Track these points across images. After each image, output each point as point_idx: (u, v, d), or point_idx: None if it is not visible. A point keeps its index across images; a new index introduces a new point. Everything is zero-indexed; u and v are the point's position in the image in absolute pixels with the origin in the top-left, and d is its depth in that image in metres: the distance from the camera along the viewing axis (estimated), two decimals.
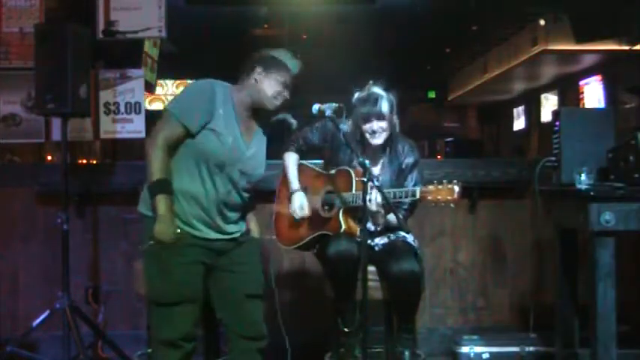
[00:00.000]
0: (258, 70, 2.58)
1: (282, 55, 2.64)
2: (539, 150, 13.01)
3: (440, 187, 2.74)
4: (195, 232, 2.48)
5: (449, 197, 2.73)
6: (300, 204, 3.04)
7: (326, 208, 3.03)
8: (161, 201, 2.39)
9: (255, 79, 2.58)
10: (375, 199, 2.80)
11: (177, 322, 2.46)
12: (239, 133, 2.56)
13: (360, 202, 2.87)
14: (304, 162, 3.19)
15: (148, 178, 2.43)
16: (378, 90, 3.02)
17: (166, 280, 2.45)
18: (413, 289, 2.88)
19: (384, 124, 3.00)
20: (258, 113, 2.64)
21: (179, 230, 2.41)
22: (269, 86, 2.57)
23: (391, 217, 2.98)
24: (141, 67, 4.27)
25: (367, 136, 3.01)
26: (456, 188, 2.72)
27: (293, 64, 2.63)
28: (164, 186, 2.41)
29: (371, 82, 3.07)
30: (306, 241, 3.07)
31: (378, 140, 3.01)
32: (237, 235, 2.62)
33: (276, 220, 3.19)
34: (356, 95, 3.06)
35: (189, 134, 2.46)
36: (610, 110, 3.64)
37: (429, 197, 2.75)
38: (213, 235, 2.52)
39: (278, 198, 3.21)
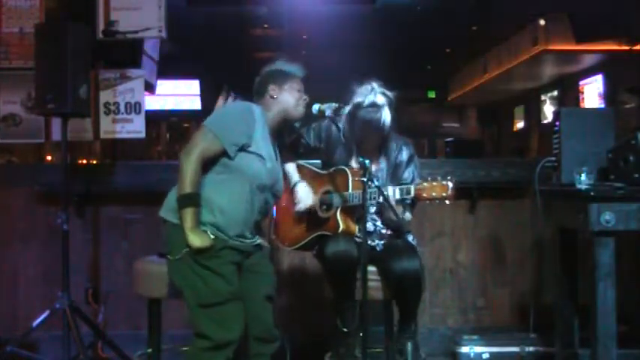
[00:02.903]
0: (272, 86, 2.66)
1: (283, 65, 2.73)
2: (539, 150, 13.00)
3: (434, 183, 2.76)
4: (229, 241, 2.50)
5: (443, 194, 2.75)
6: (301, 196, 3.03)
7: (324, 208, 3.03)
8: (189, 214, 2.41)
9: (272, 96, 2.65)
10: (392, 194, 2.81)
11: (229, 321, 2.46)
12: (274, 155, 2.64)
13: (357, 201, 2.88)
14: (301, 162, 3.19)
15: (179, 189, 2.44)
16: (380, 99, 2.95)
17: (211, 280, 2.45)
18: (415, 287, 2.88)
19: (382, 133, 3.00)
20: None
21: (212, 237, 2.45)
22: (289, 96, 2.66)
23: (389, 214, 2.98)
24: (141, 67, 4.26)
25: (364, 142, 3.03)
26: (450, 184, 2.74)
27: (296, 70, 2.73)
28: (194, 199, 2.43)
29: (372, 85, 2.99)
30: (305, 242, 3.07)
31: (373, 146, 3.04)
32: (259, 241, 2.68)
33: (276, 221, 3.19)
34: (356, 100, 2.98)
35: (225, 153, 2.49)
36: (610, 110, 3.64)
37: (424, 194, 2.77)
38: (242, 246, 2.55)
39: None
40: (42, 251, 3.91)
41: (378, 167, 3.08)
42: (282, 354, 2.97)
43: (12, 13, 4.01)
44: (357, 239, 2.93)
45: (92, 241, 3.94)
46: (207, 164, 2.48)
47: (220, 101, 4.88)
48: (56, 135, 3.88)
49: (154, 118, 13.95)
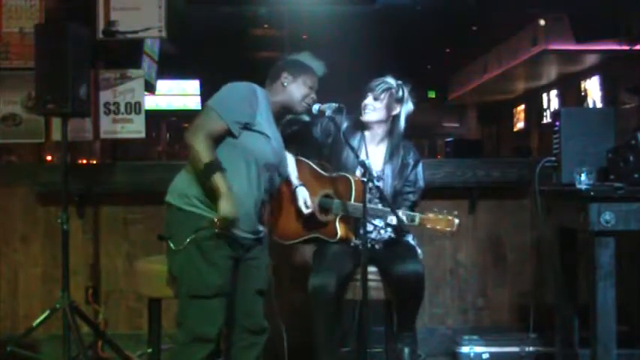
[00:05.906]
0: (285, 74, 2.69)
1: (306, 58, 2.77)
2: (539, 150, 13.01)
3: (440, 216, 2.80)
4: (234, 234, 2.49)
5: (447, 228, 2.79)
6: (304, 200, 3.02)
7: (323, 209, 3.04)
8: (219, 180, 2.38)
9: (283, 84, 2.68)
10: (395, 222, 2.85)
11: (213, 315, 2.47)
12: (278, 135, 2.65)
13: (358, 214, 2.88)
14: (303, 158, 3.18)
15: (198, 163, 2.39)
16: (388, 78, 3.08)
17: (207, 273, 2.44)
18: (416, 289, 2.88)
19: (377, 104, 3.05)
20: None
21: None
22: (297, 89, 2.69)
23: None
24: (141, 67, 4.25)
25: (361, 112, 3.08)
26: (456, 220, 2.79)
27: (317, 67, 2.76)
28: (217, 165, 2.40)
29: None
30: (300, 240, 3.09)
31: (367, 117, 3.07)
32: (262, 234, 2.66)
33: (273, 215, 3.18)
34: None
35: (229, 133, 2.48)
36: (610, 110, 3.64)
37: (428, 225, 2.82)
38: (247, 235, 2.55)
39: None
40: (42, 251, 3.91)
41: (385, 164, 3.09)
42: (280, 353, 2.96)
43: (12, 13, 4.01)
44: (353, 244, 2.95)
45: (92, 241, 3.94)
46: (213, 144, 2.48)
47: None
48: (56, 135, 3.88)
49: (154, 118, 13.97)
